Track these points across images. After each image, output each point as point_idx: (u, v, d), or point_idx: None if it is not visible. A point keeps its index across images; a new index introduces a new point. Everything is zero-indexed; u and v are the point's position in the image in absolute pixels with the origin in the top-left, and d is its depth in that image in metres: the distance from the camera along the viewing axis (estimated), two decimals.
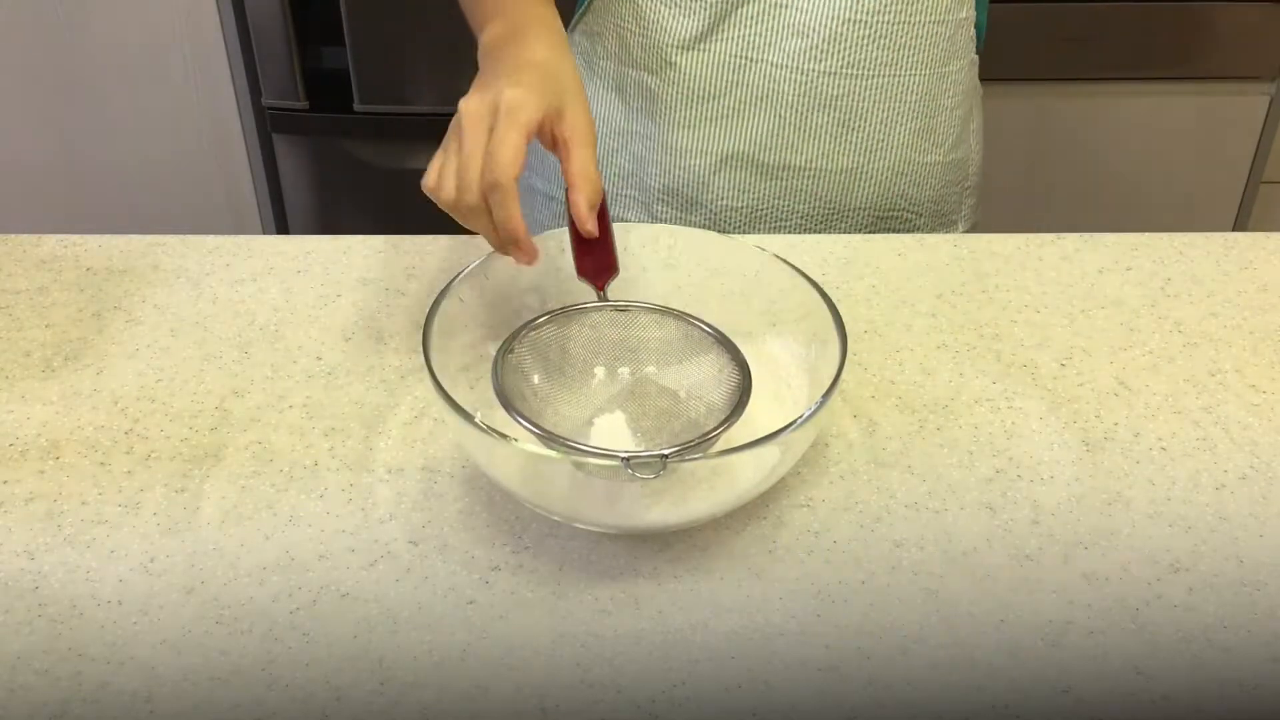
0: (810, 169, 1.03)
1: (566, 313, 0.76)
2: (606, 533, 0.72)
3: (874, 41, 0.97)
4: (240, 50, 1.88)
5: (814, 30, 0.97)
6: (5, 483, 0.76)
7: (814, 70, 0.98)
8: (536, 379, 0.74)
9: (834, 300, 0.75)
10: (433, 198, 0.74)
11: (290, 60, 1.86)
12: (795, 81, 0.99)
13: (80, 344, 0.87)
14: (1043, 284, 0.94)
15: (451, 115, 0.75)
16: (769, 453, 0.68)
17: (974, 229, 1.13)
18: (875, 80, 0.99)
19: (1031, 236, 1.00)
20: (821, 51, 0.97)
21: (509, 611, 0.67)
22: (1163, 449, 0.79)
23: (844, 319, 0.73)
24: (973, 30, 1.03)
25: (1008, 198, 1.96)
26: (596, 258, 0.77)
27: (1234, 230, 1.70)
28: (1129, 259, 0.97)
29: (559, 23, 0.85)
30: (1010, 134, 1.89)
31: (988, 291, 0.93)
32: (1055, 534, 0.72)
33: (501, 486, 0.70)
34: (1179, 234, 1.00)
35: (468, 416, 0.66)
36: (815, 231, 1.05)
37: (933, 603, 0.68)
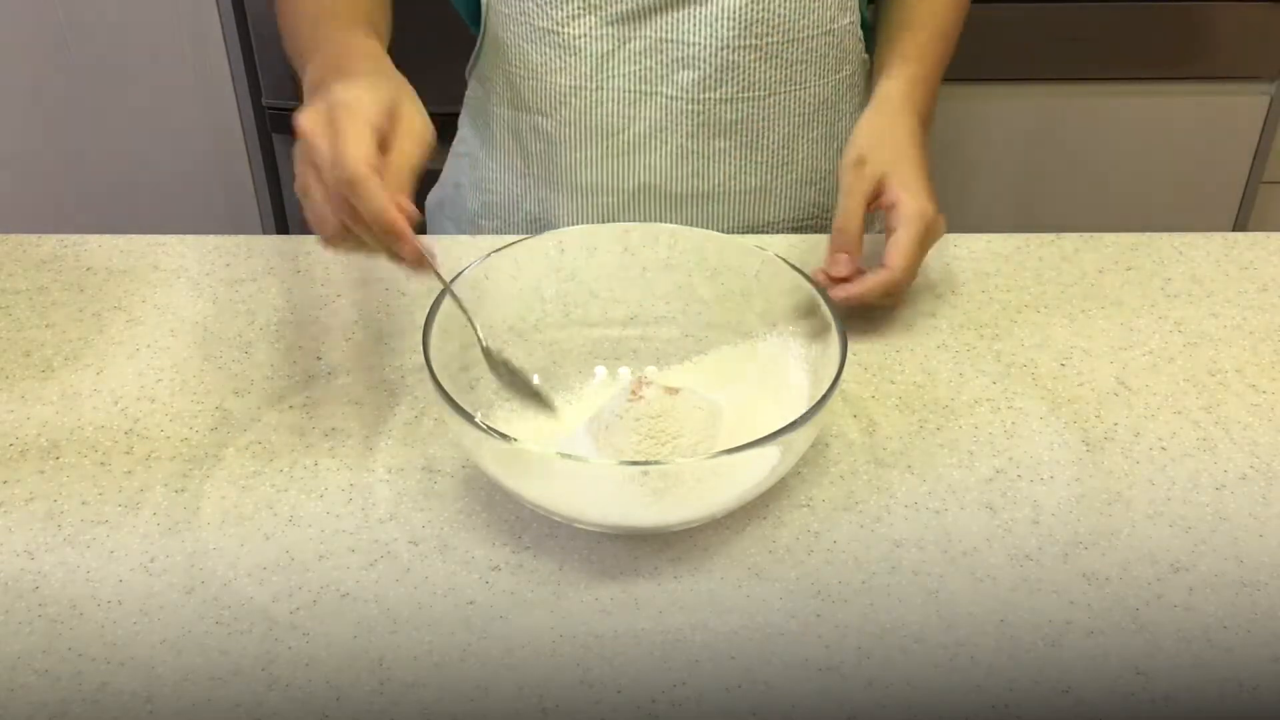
0: (718, 193, 1.02)
1: None
2: (606, 533, 0.72)
3: (766, 62, 0.96)
4: (240, 50, 1.88)
5: (705, 61, 0.95)
6: (5, 483, 0.76)
7: (709, 99, 0.97)
8: None
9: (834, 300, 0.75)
10: (331, 249, 0.71)
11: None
12: (691, 112, 0.97)
13: (80, 344, 0.87)
14: (1043, 284, 0.94)
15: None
16: (769, 453, 0.68)
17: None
18: (772, 99, 0.98)
19: (1031, 236, 1.00)
20: (714, 81, 0.96)
21: (509, 611, 0.67)
22: (1163, 449, 0.79)
23: (844, 319, 0.74)
24: (859, 32, 1.01)
25: (1008, 198, 1.96)
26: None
27: (1234, 230, 1.69)
28: (1129, 259, 0.97)
29: (380, 48, 0.84)
30: (1010, 134, 1.89)
31: (988, 291, 0.93)
32: (1055, 534, 0.72)
33: (501, 486, 0.70)
34: (1179, 234, 1.00)
35: (468, 416, 0.66)
36: None
37: (933, 603, 0.68)
